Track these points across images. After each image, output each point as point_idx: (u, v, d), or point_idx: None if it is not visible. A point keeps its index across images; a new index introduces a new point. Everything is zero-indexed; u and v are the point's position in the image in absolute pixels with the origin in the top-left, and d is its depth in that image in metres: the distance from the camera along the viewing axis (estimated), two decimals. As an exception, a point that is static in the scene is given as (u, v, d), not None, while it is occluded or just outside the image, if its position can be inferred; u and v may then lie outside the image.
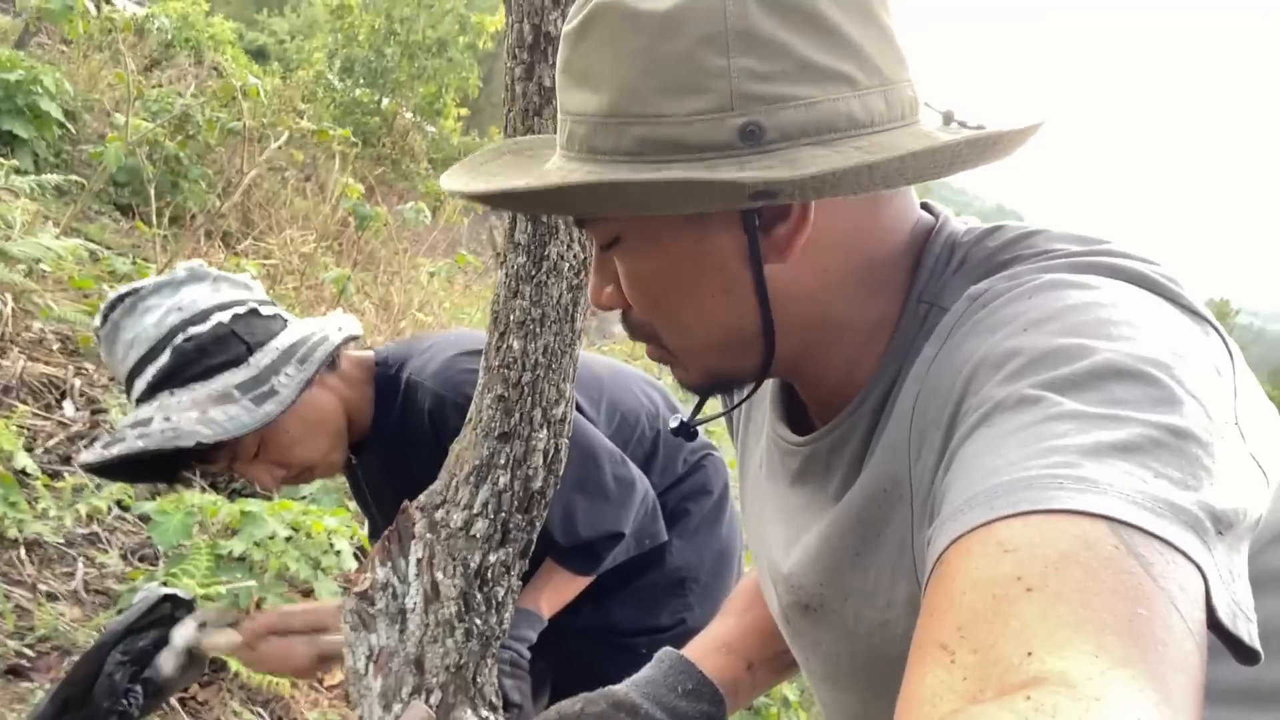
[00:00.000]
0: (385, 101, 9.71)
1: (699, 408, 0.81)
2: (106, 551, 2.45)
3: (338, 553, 2.38)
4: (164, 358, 1.16)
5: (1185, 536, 0.40)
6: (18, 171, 5.27)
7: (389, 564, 1.09)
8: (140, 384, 1.17)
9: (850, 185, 0.57)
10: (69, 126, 6.55)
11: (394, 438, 1.30)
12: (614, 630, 1.44)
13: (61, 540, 2.39)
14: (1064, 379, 0.47)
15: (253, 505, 2.34)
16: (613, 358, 1.77)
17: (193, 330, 1.17)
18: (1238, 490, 0.45)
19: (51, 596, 2.22)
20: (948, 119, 0.65)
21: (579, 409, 1.31)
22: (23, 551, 2.28)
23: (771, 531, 0.80)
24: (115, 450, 1.13)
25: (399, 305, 4.70)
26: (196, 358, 1.17)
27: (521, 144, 0.75)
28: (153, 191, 3.97)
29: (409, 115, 9.73)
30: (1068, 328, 0.50)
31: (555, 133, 0.93)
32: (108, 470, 1.21)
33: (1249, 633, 0.41)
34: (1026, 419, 0.46)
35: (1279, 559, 0.57)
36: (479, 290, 7.06)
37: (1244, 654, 0.41)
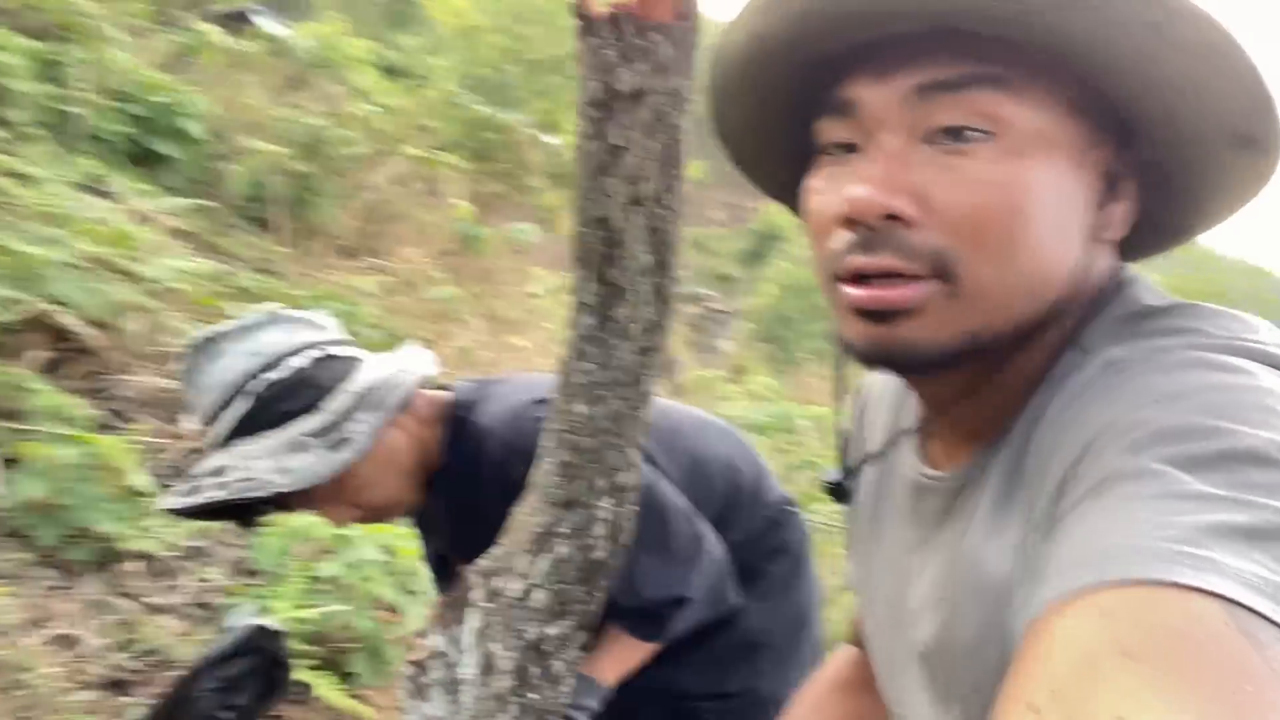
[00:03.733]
0: (505, 117, 9.92)
1: (858, 467, 0.77)
2: (212, 566, 2.54)
3: (426, 577, 2.40)
4: (239, 404, 1.17)
5: None
6: (168, 190, 5.63)
7: (445, 632, 1.06)
8: (217, 429, 1.18)
9: None
10: (212, 146, 6.96)
11: (461, 482, 1.27)
12: (679, 694, 1.37)
13: (171, 554, 2.49)
14: (1192, 457, 0.45)
15: (349, 529, 2.38)
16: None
17: (267, 376, 1.17)
18: None
19: (157, 610, 2.31)
20: None
21: (651, 459, 1.25)
22: (136, 564, 2.39)
23: (893, 577, 0.76)
24: (195, 500, 1.14)
25: (508, 321, 4.76)
26: (271, 404, 1.17)
27: None
28: (282, 210, 4.12)
29: (528, 130, 9.91)
30: (1203, 406, 0.47)
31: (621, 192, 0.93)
32: (186, 513, 1.23)
33: None
34: (1146, 491, 0.44)
35: None
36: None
37: None
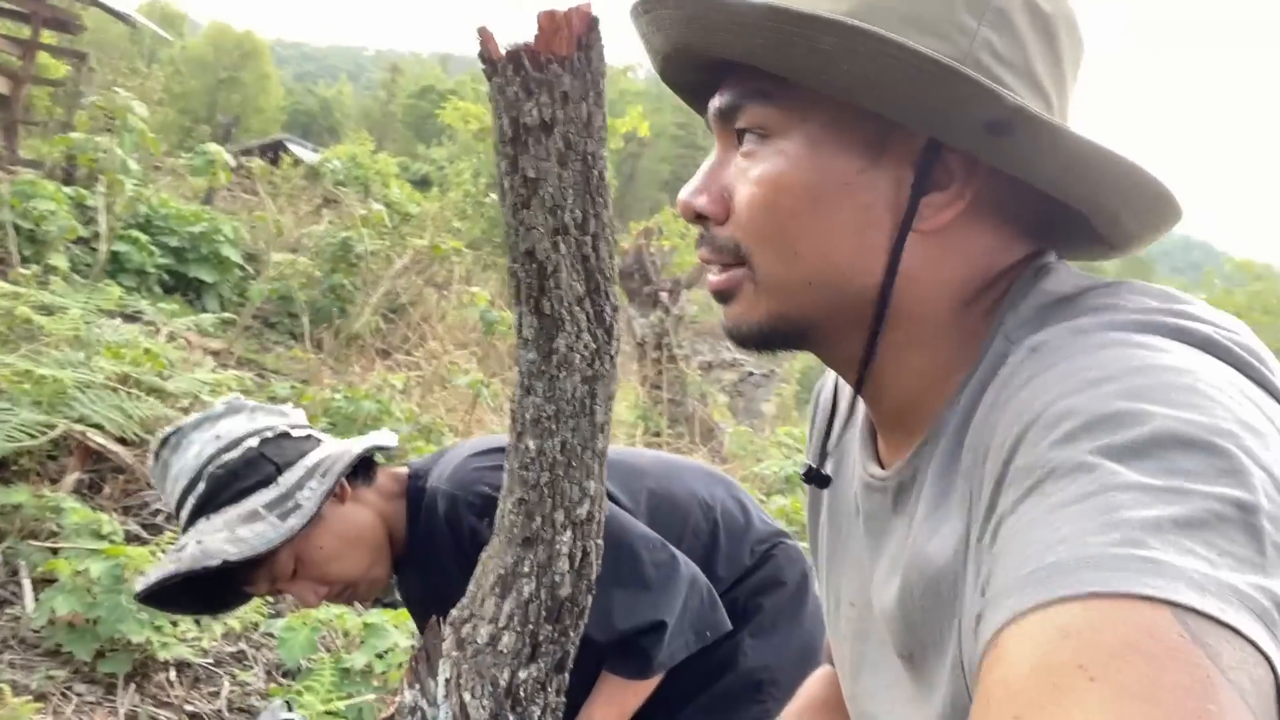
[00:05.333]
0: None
1: (824, 452, 0.78)
2: (251, 669, 2.54)
3: (460, 661, 2.37)
4: (201, 486, 1.20)
5: (1254, 626, 0.38)
6: (206, 312, 5.86)
7: (417, 686, 1.04)
8: (184, 514, 1.21)
9: (1066, 151, 0.56)
10: (248, 268, 7.24)
11: (425, 548, 1.28)
12: None
13: (210, 660, 2.50)
14: (1122, 446, 0.45)
15: (375, 617, 2.37)
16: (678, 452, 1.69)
17: (225, 457, 1.21)
18: None
19: (196, 717, 2.30)
20: None
21: (613, 498, 1.24)
22: (172, 673, 2.39)
23: (859, 578, 0.75)
24: (153, 577, 1.16)
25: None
26: (229, 482, 1.20)
27: None
28: (306, 321, 4.25)
29: (552, 220, 10.14)
30: (1128, 390, 0.48)
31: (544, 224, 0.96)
32: (164, 600, 1.24)
33: None
34: (1083, 489, 0.44)
35: None
36: (624, 380, 7.13)
37: None
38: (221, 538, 1.15)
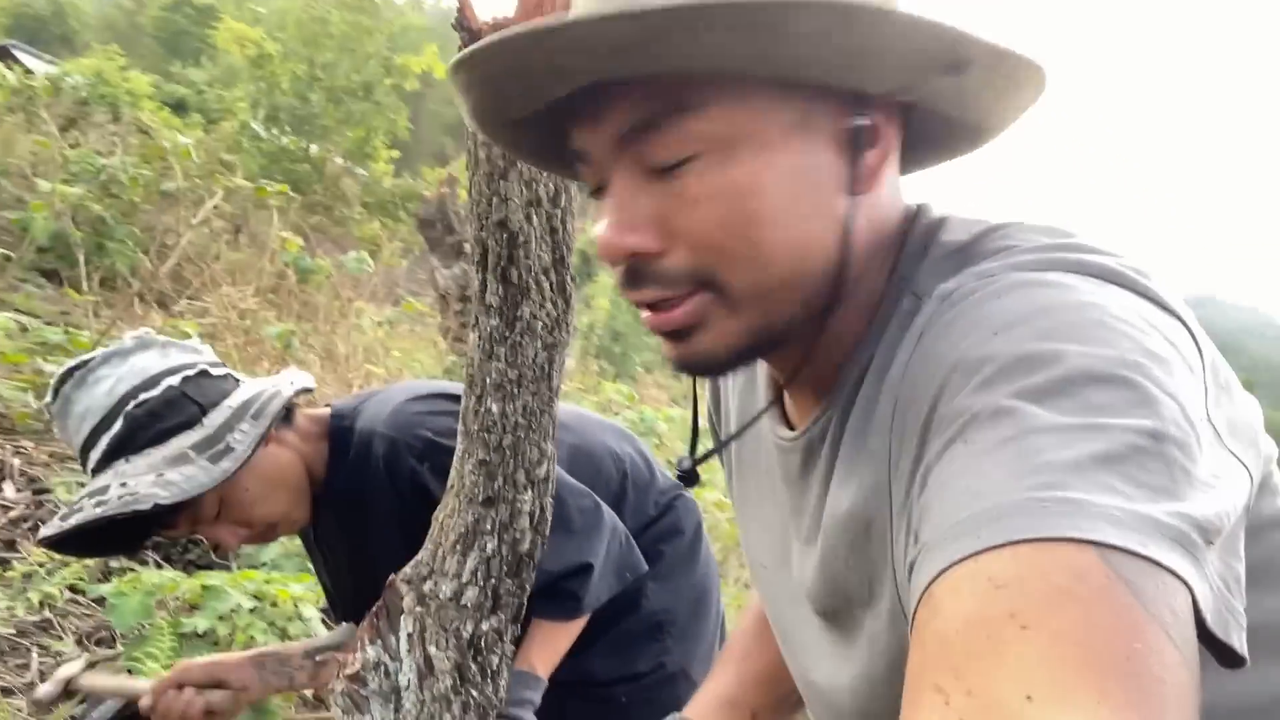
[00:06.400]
0: (314, 148, 9.59)
1: (709, 451, 0.78)
2: (62, 638, 2.35)
3: (305, 620, 2.32)
4: (117, 425, 1.14)
5: (1172, 555, 0.40)
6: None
7: (379, 642, 1.07)
8: (95, 454, 1.14)
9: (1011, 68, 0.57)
10: (-17, 194, 6.34)
11: (349, 491, 1.28)
12: (592, 681, 1.42)
13: (13, 631, 2.29)
14: (1038, 387, 0.46)
15: (214, 578, 2.27)
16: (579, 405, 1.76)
17: (144, 396, 1.15)
18: (1221, 490, 0.46)
19: (6, 691, 2.12)
20: None
21: None
22: (-30, 648, 2.17)
23: (776, 539, 0.77)
24: (74, 520, 1.10)
25: (345, 356, 4.62)
26: (149, 423, 1.15)
27: None
28: (82, 257, 3.83)
29: (339, 161, 9.62)
30: (1039, 331, 0.49)
31: (519, 195, 0.98)
32: (67, 544, 1.17)
33: (1240, 640, 0.42)
34: (1004, 434, 0.45)
35: (1256, 553, 0.55)
36: (425, 333, 6.99)
37: (1231, 660, 0.42)
38: (148, 480, 1.10)
